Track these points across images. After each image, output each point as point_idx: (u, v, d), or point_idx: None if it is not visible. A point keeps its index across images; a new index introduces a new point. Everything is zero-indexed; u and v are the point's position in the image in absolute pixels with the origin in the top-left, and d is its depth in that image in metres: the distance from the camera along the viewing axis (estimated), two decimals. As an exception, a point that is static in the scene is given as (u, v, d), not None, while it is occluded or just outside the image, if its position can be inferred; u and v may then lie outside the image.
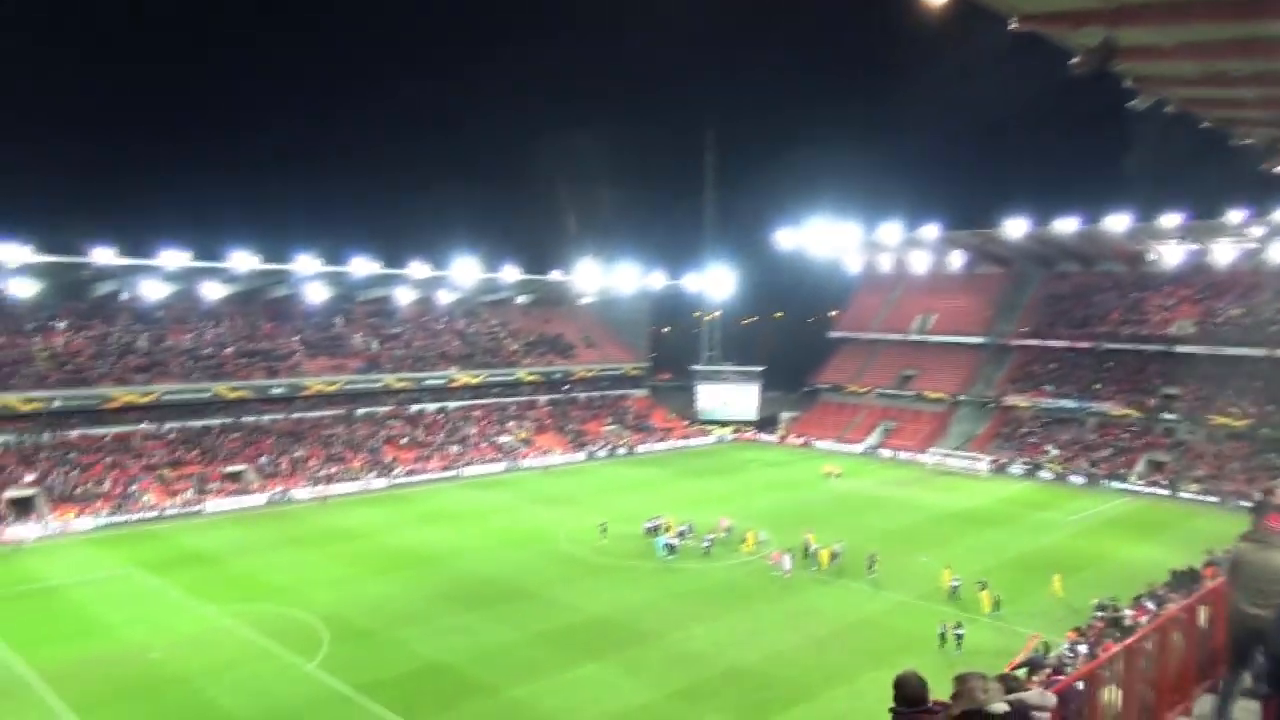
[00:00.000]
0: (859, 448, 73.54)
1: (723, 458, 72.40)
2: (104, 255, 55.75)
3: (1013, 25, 13.07)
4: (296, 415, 63.83)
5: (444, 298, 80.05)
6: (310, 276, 68.10)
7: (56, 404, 54.07)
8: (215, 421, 60.14)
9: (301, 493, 54.94)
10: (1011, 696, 5.61)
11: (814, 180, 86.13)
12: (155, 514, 49.57)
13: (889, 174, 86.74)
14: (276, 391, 63.34)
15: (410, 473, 60.68)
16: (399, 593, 35.94)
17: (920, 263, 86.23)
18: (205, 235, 67.97)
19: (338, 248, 69.50)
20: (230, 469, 55.81)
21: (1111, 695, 7.00)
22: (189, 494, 52.09)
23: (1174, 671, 8.04)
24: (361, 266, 68.65)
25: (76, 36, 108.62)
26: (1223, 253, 67.29)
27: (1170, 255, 70.74)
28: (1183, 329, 65.96)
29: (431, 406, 71.06)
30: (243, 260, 61.28)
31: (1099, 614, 23.91)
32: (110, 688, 26.49)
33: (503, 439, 69.49)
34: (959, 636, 29.03)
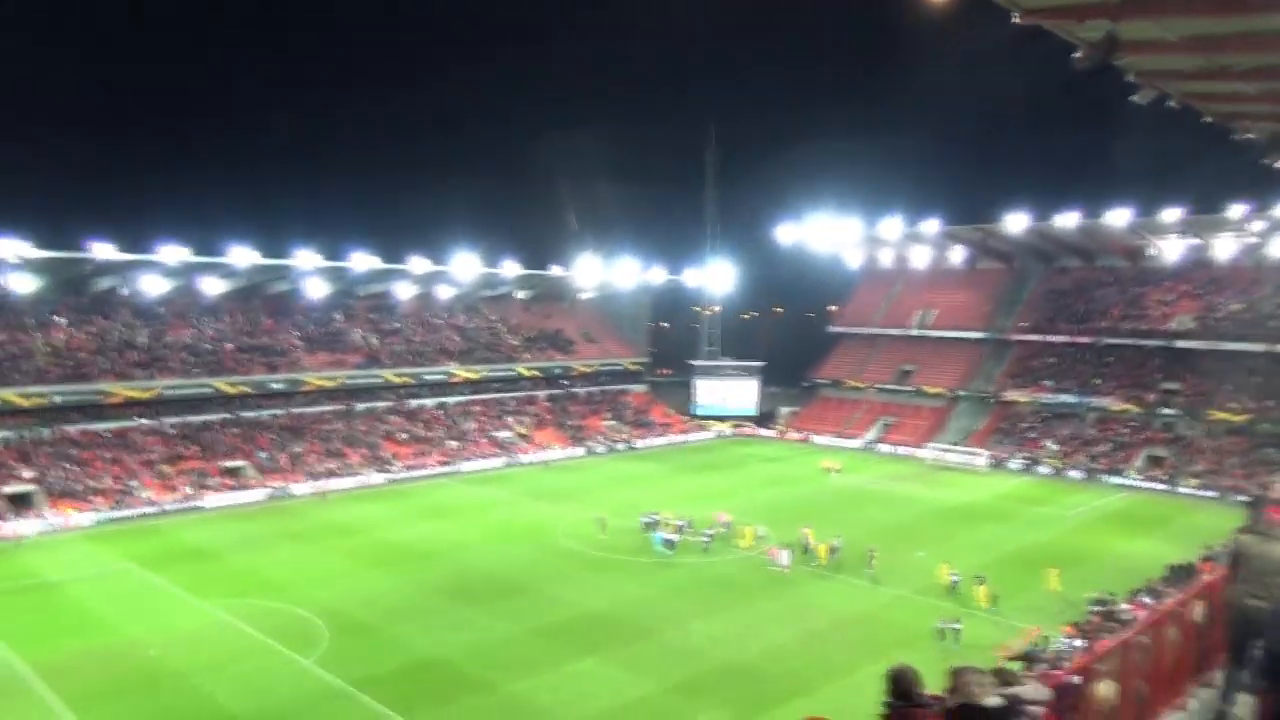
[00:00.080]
0: (858, 443, 73.54)
1: (721, 453, 72.40)
2: (104, 250, 55.74)
3: (1016, 19, 13.04)
4: (296, 411, 63.87)
5: (443, 293, 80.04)
6: (310, 272, 68.05)
7: (56, 399, 54.09)
8: (214, 417, 60.17)
9: (301, 488, 54.95)
10: (1007, 690, 5.60)
11: (814, 175, 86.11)
12: (154, 509, 49.58)
13: (890, 169, 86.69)
14: (276, 387, 63.38)
15: (409, 468, 60.70)
16: (397, 588, 35.96)
17: (920, 258, 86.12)
18: (205, 231, 67.93)
19: (337, 243, 69.84)
20: (229, 464, 55.81)
21: (1107, 689, 6.99)
22: (188, 489, 52.09)
23: (1170, 666, 8.04)
24: (361, 262, 68.61)
25: (76, 36, 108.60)
26: (1223, 248, 67.21)
27: (1170, 250, 70.66)
28: (1182, 324, 65.94)
29: (430, 402, 71.08)
30: (242, 255, 61.23)
31: (1095, 608, 23.92)
32: (108, 683, 26.49)
33: (502, 434, 69.50)
34: (956, 631, 29.04)
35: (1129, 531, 46.18)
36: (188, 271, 62.63)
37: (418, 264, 71.33)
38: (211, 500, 51.71)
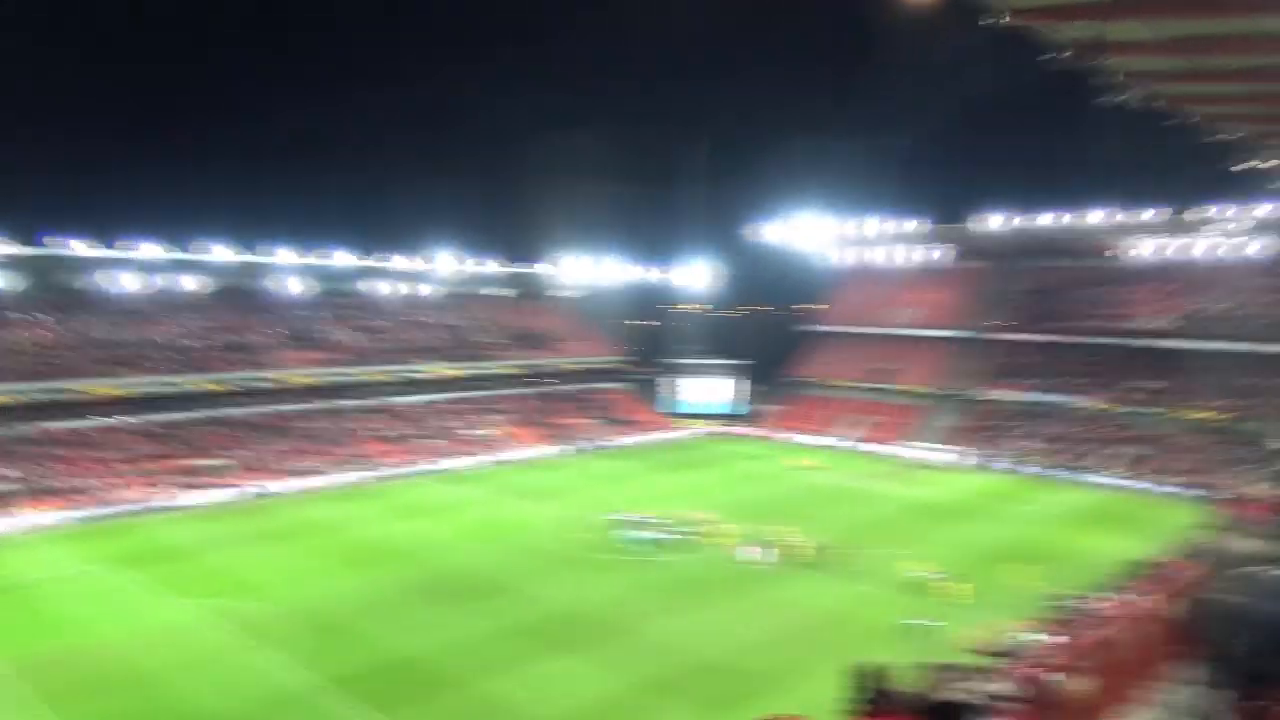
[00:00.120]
0: (838, 441, 73.80)
1: (701, 451, 72.47)
2: (82, 248, 55.22)
3: (1005, 19, 13.11)
4: (274, 408, 63.36)
5: (424, 291, 79.82)
6: (290, 269, 67.71)
7: (32, 397, 53.42)
8: (192, 415, 59.59)
9: (278, 486, 54.49)
10: (975, 687, 5.60)
11: (797, 174, 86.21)
12: (130, 508, 48.96)
13: (873, 168, 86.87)
14: (254, 385, 62.84)
15: (388, 466, 60.32)
16: (372, 587, 35.73)
17: (902, 257, 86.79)
18: (184, 228, 67.16)
19: (318, 241, 69.22)
20: (207, 462, 55.21)
21: (1078, 683, 7.01)
22: (164, 488, 51.53)
23: (1140, 659, 8.08)
24: (342, 259, 68.18)
25: (65, 34, 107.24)
26: (1202, 248, 68.32)
27: (1150, 250, 71.64)
28: (1161, 324, 66.72)
29: (410, 399, 70.73)
30: (222, 253, 60.78)
31: (1067, 604, 24.05)
32: (82, 683, 26.19)
33: (482, 432, 69.24)
34: (929, 628, 29.14)
35: (1105, 529, 46.59)
36: (167, 268, 62.21)
37: (399, 262, 70.95)
38: (189, 499, 51.15)
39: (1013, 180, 74.44)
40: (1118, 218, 67.66)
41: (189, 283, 64.95)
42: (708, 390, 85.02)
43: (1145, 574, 11.92)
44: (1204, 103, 18.42)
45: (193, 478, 53.52)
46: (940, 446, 68.20)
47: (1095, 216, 67.28)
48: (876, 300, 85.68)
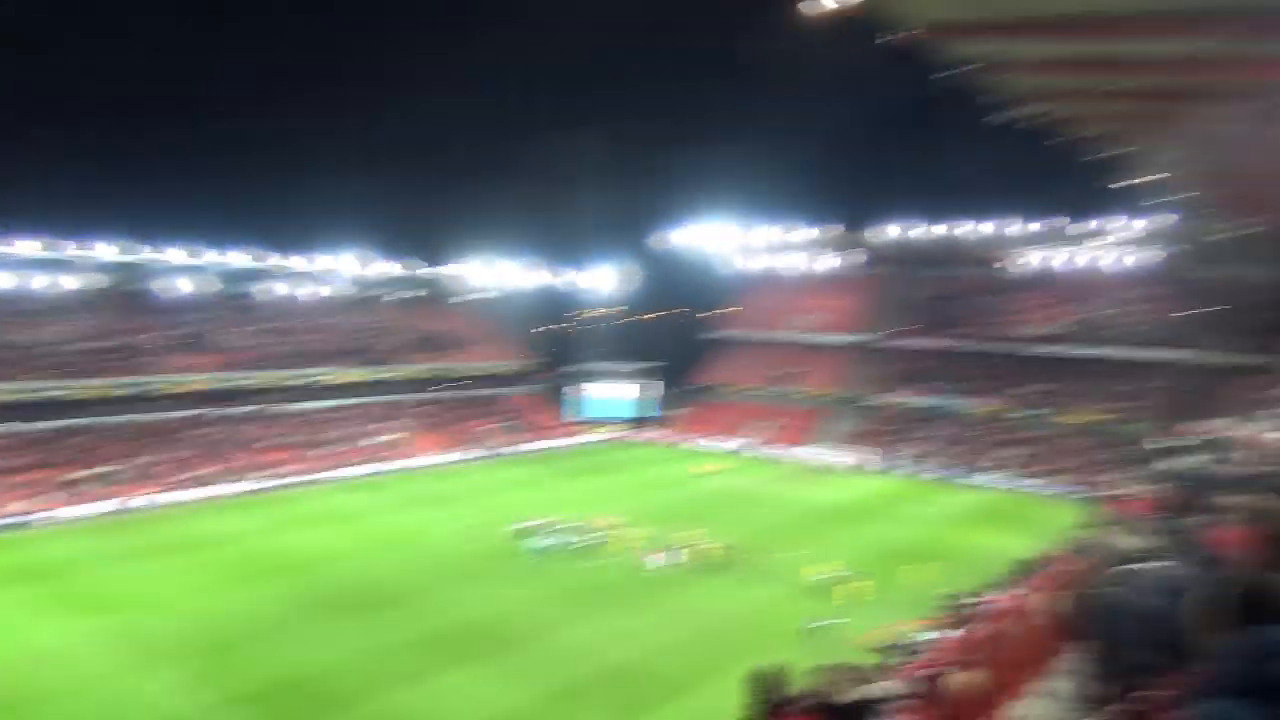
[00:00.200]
0: (744, 445, 74.74)
1: (607, 456, 72.47)
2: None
3: (899, 35, 13.42)
4: (166, 415, 60.67)
5: (327, 293, 77.70)
6: (180, 268, 65.08)
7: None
8: (76, 422, 56.56)
9: (170, 497, 52.24)
10: (871, 687, 5.66)
11: (706, 181, 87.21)
12: (9, 521, 46.17)
13: (779, 176, 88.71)
14: (144, 390, 60.08)
15: (286, 474, 58.46)
16: (270, 600, 34.50)
17: (807, 263, 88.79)
18: (65, 224, 63.88)
19: (218, 239, 66.77)
20: (88, 473, 52.49)
21: (971, 677, 7.18)
22: (47, 500, 48.83)
23: (1030, 653, 8.33)
24: (240, 259, 65.92)
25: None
26: (1088, 259, 72.00)
27: (1040, 261, 75.01)
28: (1049, 330, 70.01)
29: (307, 405, 68.68)
30: (109, 251, 58.07)
31: (961, 601, 24.82)
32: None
33: (381, 439, 67.78)
34: (828, 629, 29.68)
35: (997, 528, 48.29)
36: (44, 266, 59.01)
37: (301, 262, 68.99)
38: (74, 511, 48.53)
39: (915, 189, 77.17)
40: (1011, 229, 71.18)
41: (73, 282, 61.83)
42: (615, 395, 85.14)
43: (1035, 570, 12.34)
44: (1090, 120, 19.26)
45: (78, 489, 50.87)
46: (843, 450, 69.78)
47: (989, 227, 70.53)
48: (782, 306, 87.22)
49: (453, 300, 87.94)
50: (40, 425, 55.12)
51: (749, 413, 79.39)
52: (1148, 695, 4.38)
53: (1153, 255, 69.44)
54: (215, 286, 70.09)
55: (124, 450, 55.67)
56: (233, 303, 72.43)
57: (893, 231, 76.10)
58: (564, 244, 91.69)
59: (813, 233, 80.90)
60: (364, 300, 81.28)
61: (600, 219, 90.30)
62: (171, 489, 53.11)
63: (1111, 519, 7.53)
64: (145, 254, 61.87)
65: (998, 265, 77.52)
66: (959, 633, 9.33)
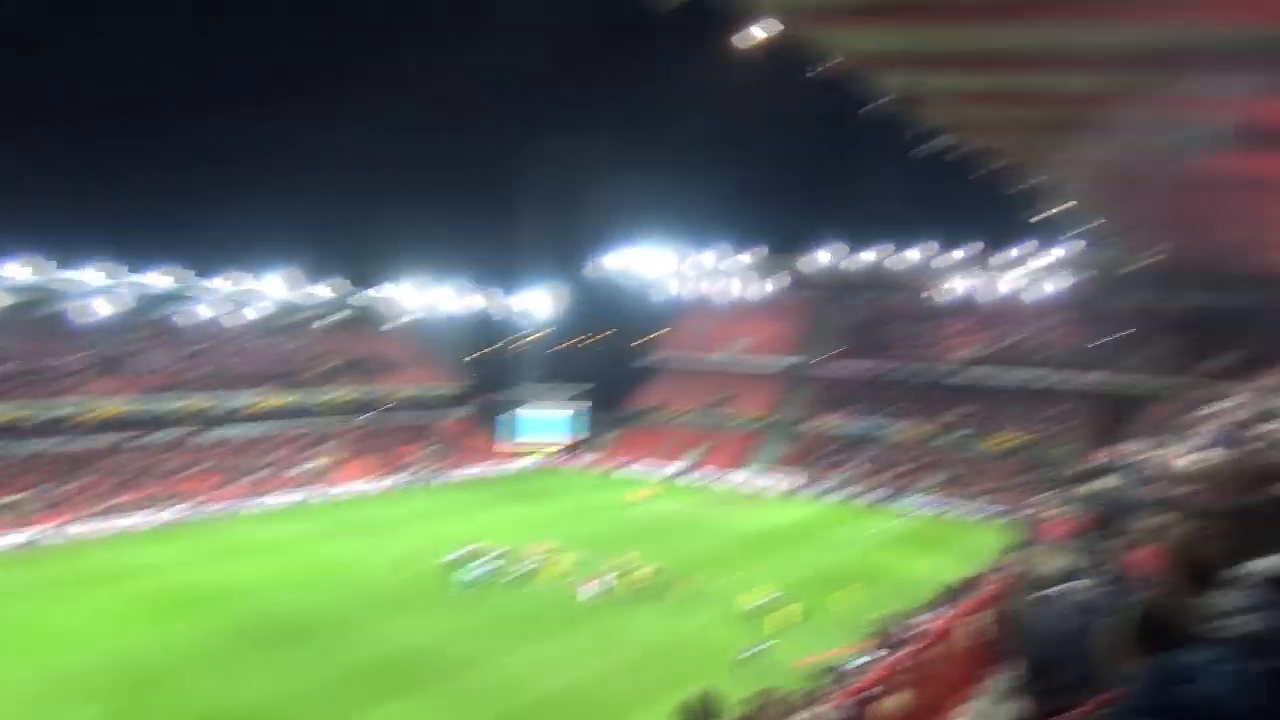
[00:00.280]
0: (675, 470, 74.92)
1: (539, 482, 71.97)
2: None
3: (832, 64, 13.73)
4: (79, 441, 58.33)
5: (250, 314, 75.80)
6: (99, 289, 62.95)
7: None
8: (-22, 449, 54.21)
9: (84, 527, 50.17)
10: (802, 714, 5.69)
11: (639, 205, 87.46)
12: (-100, 554, 43.98)
13: (714, 201, 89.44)
14: (56, 415, 57.72)
15: (204, 504, 56.66)
16: (192, 634, 33.26)
17: (740, 287, 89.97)
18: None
19: (130, 258, 64.69)
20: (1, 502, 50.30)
21: (896, 702, 7.27)
22: (-57, 530, 46.55)
23: (956, 674, 8.47)
24: (159, 280, 64.03)
25: None
26: (1009, 285, 74.40)
27: (963, 288, 77.18)
28: (972, 355, 72.00)
29: (231, 431, 66.79)
30: (16, 271, 55.93)
31: (888, 625, 25.19)
32: None
33: (309, 466, 66.23)
34: (760, 654, 29.81)
35: (924, 551, 49.13)
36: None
37: (221, 283, 67.35)
38: (-28, 542, 46.39)
39: (843, 217, 78.60)
40: (935, 256, 73.39)
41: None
42: (548, 420, 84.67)
43: (962, 594, 12.58)
44: (1005, 152, 19.94)
45: (-20, 519, 48.62)
46: (775, 474, 70.43)
47: (914, 254, 72.68)
48: (715, 331, 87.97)
49: (383, 324, 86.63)
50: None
51: (682, 438, 79.66)
52: (1071, 717, 4.49)
53: (1068, 282, 72.03)
54: (134, 308, 67.90)
55: (35, 480, 53.35)
56: (153, 325, 70.14)
57: (822, 258, 78.02)
58: (498, 268, 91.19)
59: (745, 259, 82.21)
60: (291, 323, 79.55)
61: (534, 243, 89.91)
62: (86, 520, 51.01)
63: (1035, 542, 7.72)
64: (58, 274, 59.72)
65: (923, 293, 79.48)
66: (889, 657, 9.45)
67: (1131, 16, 9.75)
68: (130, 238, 71.11)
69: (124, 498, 54.35)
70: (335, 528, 53.05)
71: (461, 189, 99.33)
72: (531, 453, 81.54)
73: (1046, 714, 5.67)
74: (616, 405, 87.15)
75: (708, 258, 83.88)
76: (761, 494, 66.69)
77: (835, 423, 74.73)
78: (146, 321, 70.11)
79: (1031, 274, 72.94)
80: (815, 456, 72.05)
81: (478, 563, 41.41)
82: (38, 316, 64.31)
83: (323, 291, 76.30)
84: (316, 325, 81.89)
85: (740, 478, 70.78)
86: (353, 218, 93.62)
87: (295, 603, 37.58)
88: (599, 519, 56.87)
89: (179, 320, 71.97)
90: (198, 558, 45.37)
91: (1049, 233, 62.56)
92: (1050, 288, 73.15)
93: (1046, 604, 6.48)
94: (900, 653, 9.01)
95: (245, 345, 74.48)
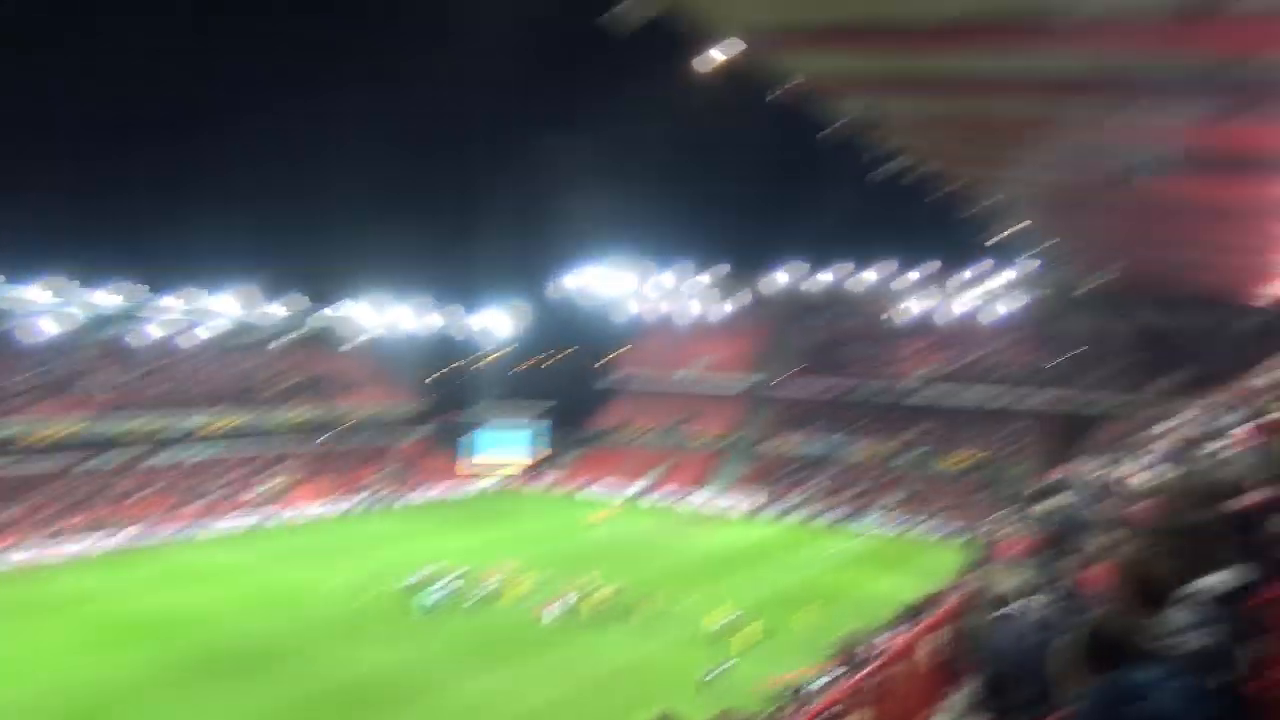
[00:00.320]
0: (634, 491, 74.75)
1: (498, 504, 71.45)
2: None
3: (790, 86, 13.92)
4: (27, 463, 56.88)
5: (204, 333, 74.53)
6: (48, 306, 61.55)
7: None
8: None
9: (27, 554, 48.80)
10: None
11: (600, 224, 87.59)
12: None
13: (676, 222, 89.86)
14: (2, 436, 56.26)
15: (155, 528, 55.43)
16: (140, 664, 32.37)
17: (700, 308, 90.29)
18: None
19: (80, 275, 63.31)
20: (-65, 527, 48.88)
21: (858, 718, 7.29)
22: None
23: (915, 692, 8.51)
24: (108, 299, 62.78)
25: None
26: (965, 306, 75.57)
27: (920, 308, 78.26)
28: (929, 375, 72.90)
29: (186, 452, 65.50)
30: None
31: (850, 644, 25.29)
32: None
33: (264, 488, 65.11)
34: (723, 674, 29.77)
35: (883, 570, 49.45)
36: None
37: (175, 301, 66.23)
38: (-90, 569, 44.97)
39: (805, 237, 79.37)
40: (893, 277, 74.59)
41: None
42: (509, 441, 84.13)
43: (922, 612, 12.65)
44: (958, 173, 20.33)
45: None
46: (735, 495, 70.57)
47: (872, 275, 73.86)
48: (676, 351, 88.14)
49: (341, 342, 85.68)
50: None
51: (643, 458, 79.57)
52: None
53: (1023, 302, 73.36)
54: (84, 326, 66.48)
55: (-22, 504, 51.93)
56: (104, 344, 68.70)
57: (782, 278, 78.89)
58: (457, 286, 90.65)
59: (705, 278, 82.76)
60: (247, 342, 78.34)
61: (494, 261, 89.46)
62: (34, 545, 49.68)
63: (991, 560, 7.80)
64: (5, 292, 58.39)
65: (882, 313, 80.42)
66: (850, 676, 9.48)
67: (1082, 44, 9.98)
68: (81, 253, 69.53)
69: (73, 521, 53.03)
70: (291, 552, 52.13)
71: (421, 206, 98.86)
72: (492, 473, 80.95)
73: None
74: (577, 425, 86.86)
75: (668, 277, 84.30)
76: (723, 514, 66.78)
77: (795, 442, 75.18)
78: (97, 340, 68.69)
79: (987, 294, 74.33)
80: (776, 476, 72.33)
81: (437, 585, 40.88)
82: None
83: (279, 309, 75.33)
84: (273, 344, 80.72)
85: (701, 498, 70.83)
86: (310, 234, 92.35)
87: (250, 630, 36.80)
88: (560, 540, 56.50)
89: (131, 339, 70.58)
90: (149, 584, 44.31)
91: (1004, 253, 63.77)
92: (1005, 308, 74.46)
93: (1003, 622, 6.55)
94: (861, 673, 9.04)
95: (199, 365, 73.16)
